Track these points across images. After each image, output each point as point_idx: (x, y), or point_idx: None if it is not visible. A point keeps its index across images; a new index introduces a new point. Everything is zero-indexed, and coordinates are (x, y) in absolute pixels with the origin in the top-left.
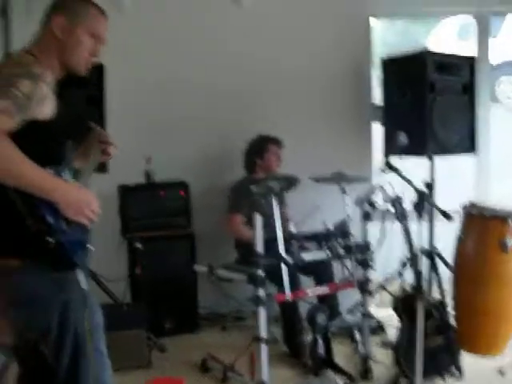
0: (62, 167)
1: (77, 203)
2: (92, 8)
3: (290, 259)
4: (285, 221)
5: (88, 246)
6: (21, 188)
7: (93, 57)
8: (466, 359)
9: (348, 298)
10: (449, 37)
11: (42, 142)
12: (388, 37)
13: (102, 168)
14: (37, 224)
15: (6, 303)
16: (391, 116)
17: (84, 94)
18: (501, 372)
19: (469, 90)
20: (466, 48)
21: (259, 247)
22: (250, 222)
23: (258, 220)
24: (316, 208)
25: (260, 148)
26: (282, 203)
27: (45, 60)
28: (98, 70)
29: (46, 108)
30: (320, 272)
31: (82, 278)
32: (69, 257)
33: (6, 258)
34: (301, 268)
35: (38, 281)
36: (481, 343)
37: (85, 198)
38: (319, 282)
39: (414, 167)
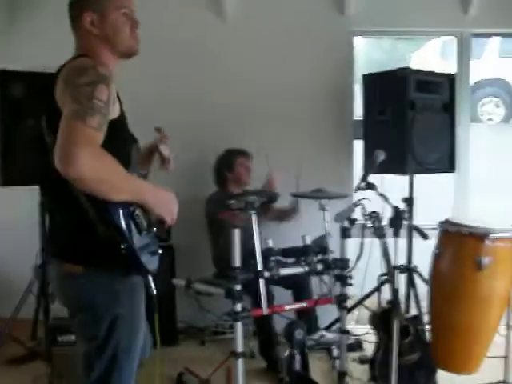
0: (130, 170)
1: (162, 202)
2: None
3: (267, 274)
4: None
5: (158, 250)
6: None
7: (135, 29)
8: (443, 376)
9: (326, 314)
10: (432, 57)
11: (111, 141)
12: (373, 55)
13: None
14: (108, 231)
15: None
16: (371, 133)
17: None
18: None
19: (449, 108)
20: (449, 68)
21: (236, 262)
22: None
23: (236, 235)
24: None
25: (229, 162)
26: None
27: (99, 59)
28: None
29: (115, 107)
30: (298, 287)
31: (151, 283)
32: (140, 262)
33: (71, 265)
34: (279, 281)
35: (98, 289)
36: (455, 360)
37: (168, 197)
38: (298, 296)
39: (396, 184)
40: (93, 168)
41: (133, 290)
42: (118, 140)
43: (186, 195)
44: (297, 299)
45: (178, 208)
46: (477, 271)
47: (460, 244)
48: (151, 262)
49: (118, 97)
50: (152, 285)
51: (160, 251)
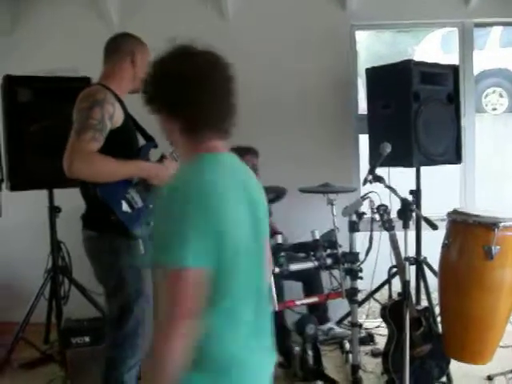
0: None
1: (155, 174)
2: None
3: (277, 270)
4: (272, 232)
5: (150, 222)
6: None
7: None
8: (455, 366)
9: (337, 309)
10: (434, 49)
11: (121, 140)
12: (375, 48)
13: None
14: (103, 206)
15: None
16: (376, 127)
17: None
18: (489, 378)
19: (453, 99)
20: (451, 61)
21: None
22: None
23: None
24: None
25: None
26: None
27: (115, 86)
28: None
29: (117, 118)
30: (309, 279)
31: (140, 245)
32: (126, 230)
33: (89, 230)
34: (289, 275)
35: (104, 249)
36: (468, 351)
37: (157, 169)
38: (309, 288)
39: (402, 176)
40: (80, 168)
41: (133, 248)
42: (123, 141)
43: None
44: (307, 291)
45: None
46: (486, 261)
47: (469, 234)
48: (142, 229)
49: (124, 110)
50: (140, 247)
51: (152, 222)
